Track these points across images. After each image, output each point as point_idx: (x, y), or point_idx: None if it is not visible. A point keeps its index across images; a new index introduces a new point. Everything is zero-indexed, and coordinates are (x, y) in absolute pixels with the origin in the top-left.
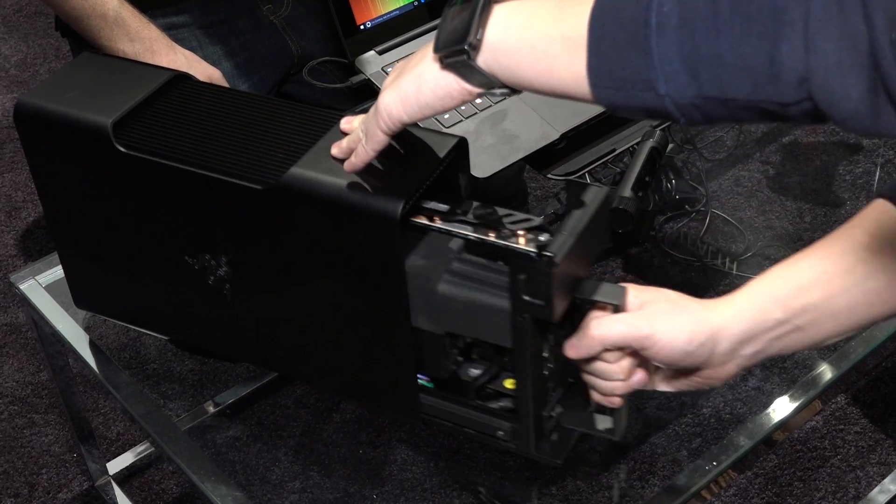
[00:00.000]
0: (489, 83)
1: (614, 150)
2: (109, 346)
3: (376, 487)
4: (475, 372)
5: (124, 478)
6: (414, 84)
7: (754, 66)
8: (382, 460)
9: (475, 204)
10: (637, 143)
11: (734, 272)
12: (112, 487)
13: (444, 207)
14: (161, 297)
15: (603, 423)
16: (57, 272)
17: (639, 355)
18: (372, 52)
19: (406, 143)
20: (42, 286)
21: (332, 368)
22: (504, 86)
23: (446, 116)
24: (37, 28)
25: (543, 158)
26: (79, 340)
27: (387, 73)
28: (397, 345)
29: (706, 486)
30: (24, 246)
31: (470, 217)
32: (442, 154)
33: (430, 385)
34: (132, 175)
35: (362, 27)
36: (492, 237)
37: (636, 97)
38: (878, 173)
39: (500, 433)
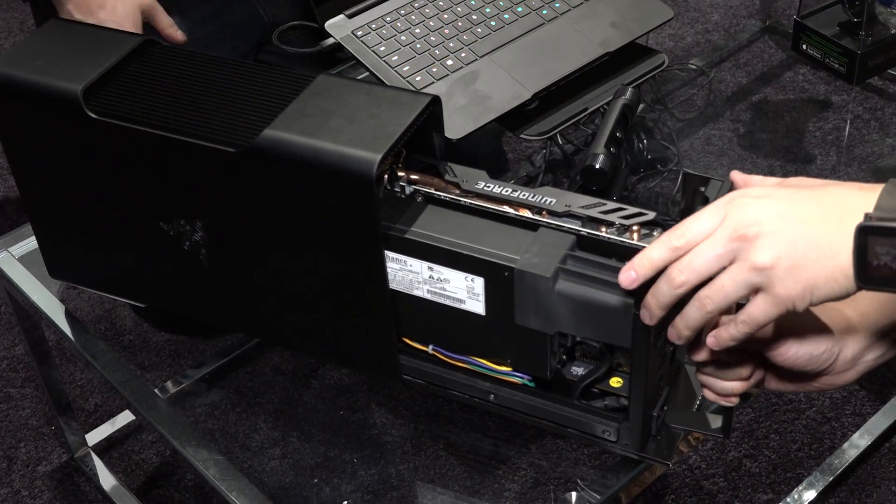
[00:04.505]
0: None
1: (586, 108)
2: (85, 317)
3: (357, 451)
4: (579, 371)
5: (103, 449)
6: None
7: None
8: (362, 424)
9: (572, 195)
10: (609, 102)
11: None
12: (92, 458)
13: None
14: (137, 265)
15: (714, 421)
16: (30, 243)
17: (758, 354)
18: (341, 17)
19: (380, 101)
20: (15, 258)
21: (312, 332)
22: None
23: (418, 78)
24: (0, 2)
25: (515, 119)
26: (55, 311)
27: (356, 37)
28: (376, 305)
29: (683, 439)
30: None
31: (579, 211)
32: (416, 112)
33: (531, 384)
34: (104, 141)
35: None
36: (605, 233)
37: None
38: (847, 129)
39: (606, 433)
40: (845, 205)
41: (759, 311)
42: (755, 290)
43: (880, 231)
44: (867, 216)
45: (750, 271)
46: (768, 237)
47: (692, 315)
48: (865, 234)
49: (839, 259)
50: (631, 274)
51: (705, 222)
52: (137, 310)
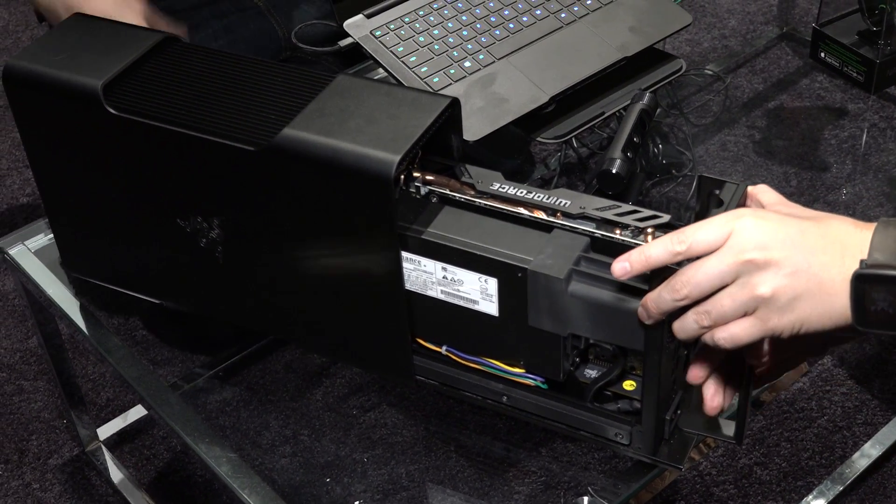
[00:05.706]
0: None
1: (603, 112)
2: (99, 311)
3: (367, 450)
4: (593, 374)
5: (115, 443)
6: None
7: None
8: (373, 424)
9: (587, 197)
10: (626, 107)
11: None
12: (103, 452)
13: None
14: (152, 261)
15: (727, 427)
16: (45, 237)
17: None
18: (360, 16)
19: (399, 102)
20: (31, 251)
21: (326, 330)
22: None
23: (435, 80)
24: None
25: (532, 121)
26: (69, 305)
27: (374, 37)
28: (391, 305)
29: (695, 446)
30: (10, 214)
31: (593, 213)
32: (435, 114)
33: (544, 386)
34: (123, 137)
35: None
36: (619, 235)
37: None
38: (864, 137)
39: (619, 436)
40: (846, 243)
41: (745, 333)
42: (750, 312)
43: (877, 279)
44: (863, 263)
45: (750, 297)
46: (774, 267)
47: (689, 326)
48: (863, 282)
49: (836, 300)
50: (625, 266)
51: (709, 233)
52: (151, 306)
